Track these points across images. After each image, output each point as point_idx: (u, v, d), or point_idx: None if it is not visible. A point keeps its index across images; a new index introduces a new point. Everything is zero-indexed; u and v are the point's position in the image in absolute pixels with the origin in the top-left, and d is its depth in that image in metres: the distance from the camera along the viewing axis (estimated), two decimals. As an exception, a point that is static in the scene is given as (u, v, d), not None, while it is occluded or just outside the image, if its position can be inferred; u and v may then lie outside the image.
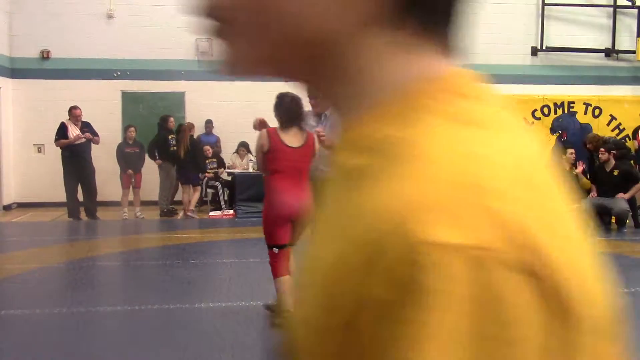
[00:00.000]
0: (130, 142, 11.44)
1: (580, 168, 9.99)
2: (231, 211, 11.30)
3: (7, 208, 12.36)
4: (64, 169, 10.90)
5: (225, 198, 11.69)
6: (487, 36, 12.86)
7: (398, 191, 0.40)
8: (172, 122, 11.45)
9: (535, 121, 13.18)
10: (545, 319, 0.38)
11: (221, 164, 12.06)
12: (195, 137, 11.81)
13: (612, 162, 9.79)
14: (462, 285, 0.37)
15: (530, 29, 13.56)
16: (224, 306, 5.46)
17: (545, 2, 13.42)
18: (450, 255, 0.37)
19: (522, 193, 0.41)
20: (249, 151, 11.89)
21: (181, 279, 6.52)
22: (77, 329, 4.86)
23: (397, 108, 0.47)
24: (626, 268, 6.95)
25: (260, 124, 5.65)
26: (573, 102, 13.44)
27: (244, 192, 10.95)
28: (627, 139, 12.93)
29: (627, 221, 9.74)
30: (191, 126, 11.76)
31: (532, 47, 13.55)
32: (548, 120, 13.45)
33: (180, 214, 11.43)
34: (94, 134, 11.05)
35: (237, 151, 12.25)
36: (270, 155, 4.61)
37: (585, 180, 9.96)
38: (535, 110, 13.33)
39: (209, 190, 11.95)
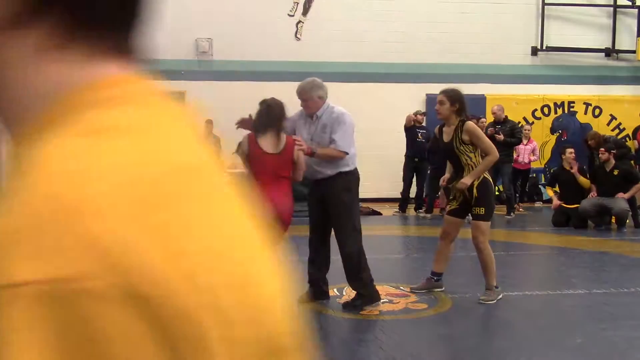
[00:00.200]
0: (130, 142, 11.43)
1: (575, 168, 9.97)
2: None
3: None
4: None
5: (225, 198, 11.68)
6: (487, 36, 12.87)
7: None
8: (172, 122, 11.43)
9: (536, 121, 13.19)
10: (157, 345, 0.36)
11: (221, 164, 12.04)
12: (195, 137, 11.80)
13: (612, 161, 9.77)
14: (39, 323, 0.34)
15: (530, 28, 13.54)
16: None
17: (545, 1, 13.41)
18: (19, 293, 0.34)
19: (134, 209, 0.38)
20: (249, 151, 11.88)
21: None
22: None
23: (37, 123, 0.43)
24: (626, 268, 6.95)
25: (242, 123, 5.48)
26: (573, 102, 13.45)
27: (244, 192, 10.94)
28: (627, 138, 12.94)
29: (627, 221, 9.73)
30: (191, 126, 11.74)
31: (532, 47, 13.54)
32: (548, 120, 13.45)
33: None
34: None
35: (237, 151, 12.22)
36: (250, 160, 4.73)
37: (584, 180, 9.95)
38: (536, 110, 13.33)
39: (209, 190, 11.92)
